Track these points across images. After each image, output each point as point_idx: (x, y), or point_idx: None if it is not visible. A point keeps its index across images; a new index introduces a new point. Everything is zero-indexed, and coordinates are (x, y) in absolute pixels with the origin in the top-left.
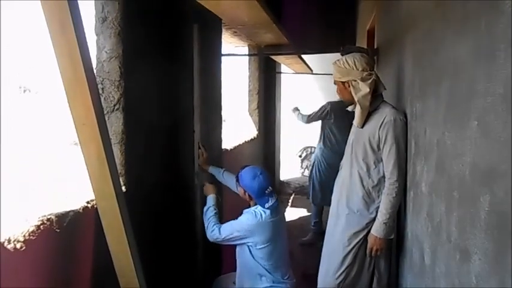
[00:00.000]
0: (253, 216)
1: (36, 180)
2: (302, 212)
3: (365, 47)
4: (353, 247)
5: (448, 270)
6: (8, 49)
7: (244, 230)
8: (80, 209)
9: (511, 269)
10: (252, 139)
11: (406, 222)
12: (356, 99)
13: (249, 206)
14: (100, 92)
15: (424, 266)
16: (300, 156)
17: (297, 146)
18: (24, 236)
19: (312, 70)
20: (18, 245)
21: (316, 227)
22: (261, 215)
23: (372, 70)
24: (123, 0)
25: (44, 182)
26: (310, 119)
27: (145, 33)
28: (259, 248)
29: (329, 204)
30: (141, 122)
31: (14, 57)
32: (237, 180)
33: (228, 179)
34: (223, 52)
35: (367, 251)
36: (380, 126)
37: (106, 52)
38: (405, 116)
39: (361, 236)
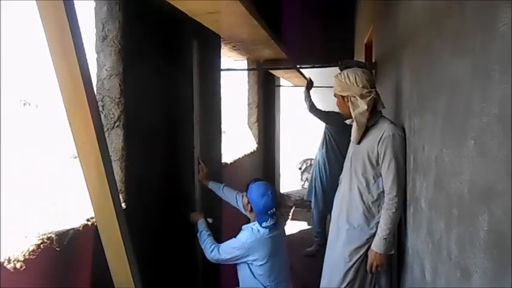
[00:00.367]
0: (251, 233)
1: (36, 196)
2: (302, 225)
3: (363, 60)
4: (354, 263)
5: None
6: (9, 63)
7: (244, 248)
8: (79, 227)
9: None
10: (251, 152)
11: (406, 237)
12: (353, 116)
13: (249, 220)
14: (100, 109)
15: (426, 283)
16: (300, 168)
17: (297, 158)
18: (24, 255)
19: None
20: (18, 265)
21: (319, 238)
22: (259, 231)
23: (372, 87)
24: (124, 19)
25: (43, 198)
26: (314, 110)
27: (146, 50)
28: (259, 265)
29: (331, 212)
30: (141, 138)
31: (14, 71)
32: (246, 190)
33: (228, 195)
34: (222, 67)
35: (367, 267)
36: (379, 142)
37: (106, 70)
38: (403, 131)
39: (362, 251)
